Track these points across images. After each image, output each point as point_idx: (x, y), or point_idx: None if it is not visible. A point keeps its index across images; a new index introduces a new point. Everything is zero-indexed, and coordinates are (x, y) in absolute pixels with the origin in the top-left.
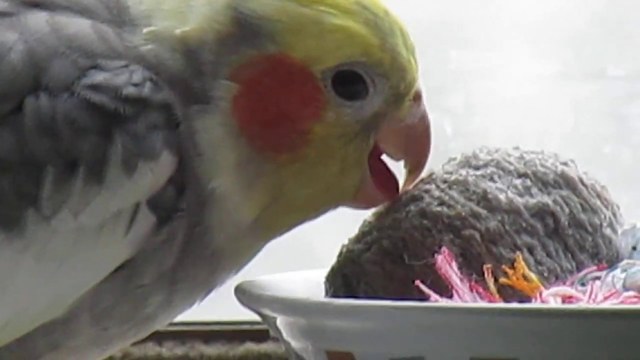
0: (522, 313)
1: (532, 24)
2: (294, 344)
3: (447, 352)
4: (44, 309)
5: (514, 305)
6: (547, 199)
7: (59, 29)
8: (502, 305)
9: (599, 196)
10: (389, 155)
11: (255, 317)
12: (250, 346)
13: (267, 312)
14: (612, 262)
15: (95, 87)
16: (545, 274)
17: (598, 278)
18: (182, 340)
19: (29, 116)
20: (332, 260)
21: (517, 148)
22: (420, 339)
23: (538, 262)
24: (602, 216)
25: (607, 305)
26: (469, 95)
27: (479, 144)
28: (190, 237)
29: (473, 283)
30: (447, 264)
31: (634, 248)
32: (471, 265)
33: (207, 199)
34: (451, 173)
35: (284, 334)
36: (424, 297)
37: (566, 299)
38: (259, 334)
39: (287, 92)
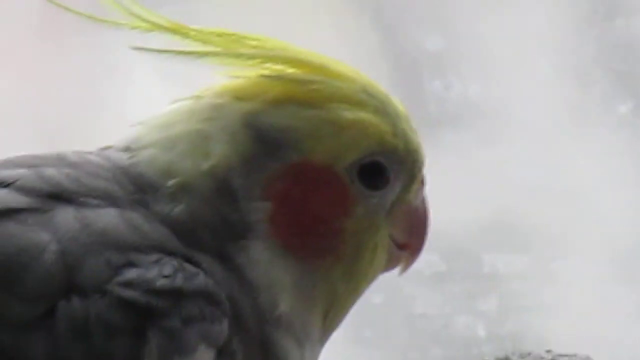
0: None
1: None
2: None
3: None
4: None
5: None
6: None
7: (88, 224)
8: None
9: None
10: (392, 238)
11: None
12: None
13: None
14: None
15: (128, 285)
16: None
17: None
18: None
19: (61, 319)
20: None
21: (549, 351)
22: None
23: None
24: None
25: None
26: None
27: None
28: None
29: None
30: None
31: None
32: None
33: (271, 332)
34: None
35: None
36: None
37: None
38: None
39: (316, 196)
